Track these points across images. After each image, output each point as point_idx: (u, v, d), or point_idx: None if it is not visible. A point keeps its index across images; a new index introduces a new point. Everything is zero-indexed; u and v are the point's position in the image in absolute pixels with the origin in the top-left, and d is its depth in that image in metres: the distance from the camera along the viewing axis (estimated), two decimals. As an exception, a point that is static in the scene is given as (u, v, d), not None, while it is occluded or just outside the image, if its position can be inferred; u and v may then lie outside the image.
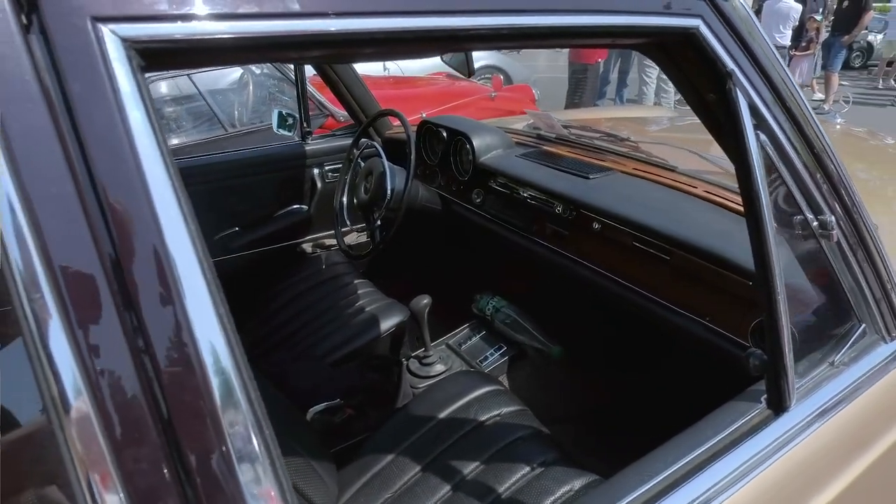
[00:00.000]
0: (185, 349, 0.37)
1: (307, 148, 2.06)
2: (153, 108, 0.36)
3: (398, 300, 1.72)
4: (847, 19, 6.84)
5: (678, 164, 1.45)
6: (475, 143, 1.71)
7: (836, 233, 0.71)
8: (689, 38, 0.60)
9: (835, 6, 7.16)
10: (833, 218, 0.70)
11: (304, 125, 2.05)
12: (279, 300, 1.88)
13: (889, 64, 10.54)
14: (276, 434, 0.42)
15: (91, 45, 0.34)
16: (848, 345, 0.79)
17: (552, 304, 1.78)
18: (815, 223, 0.71)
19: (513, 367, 1.70)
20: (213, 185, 1.94)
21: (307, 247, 2.15)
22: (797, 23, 6.66)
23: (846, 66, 11.61)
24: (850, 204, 0.73)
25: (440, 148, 1.87)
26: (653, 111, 2.86)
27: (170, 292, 0.36)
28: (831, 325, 0.81)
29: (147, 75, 0.37)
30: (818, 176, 0.70)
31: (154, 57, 0.37)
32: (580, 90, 5.82)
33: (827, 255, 0.74)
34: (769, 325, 0.67)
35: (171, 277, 0.36)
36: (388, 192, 1.63)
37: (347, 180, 1.88)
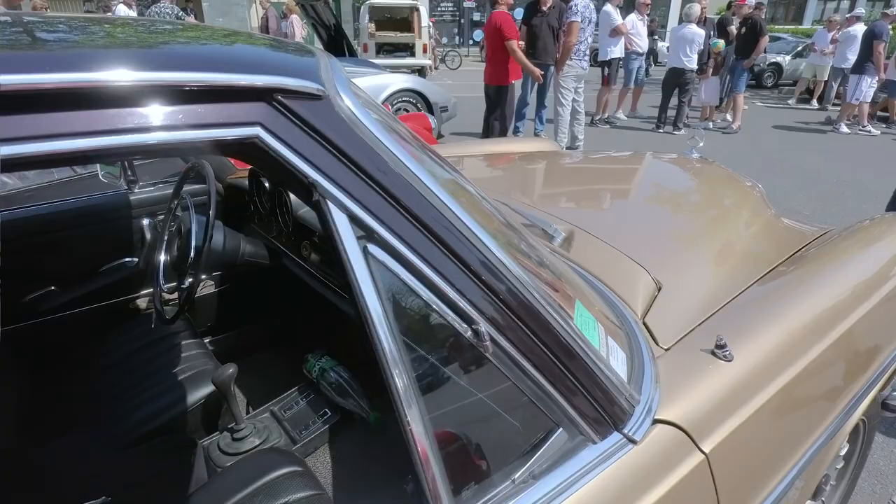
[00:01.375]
0: None
1: (133, 198, 1.90)
2: None
3: (233, 360, 1.58)
4: (745, 44, 7.19)
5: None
6: (292, 194, 1.60)
7: (488, 344, 0.63)
8: (250, 149, 0.51)
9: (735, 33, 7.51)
10: (485, 328, 0.63)
11: (128, 172, 1.89)
12: (98, 365, 1.71)
13: (794, 83, 11.22)
14: None
15: None
16: (541, 452, 0.71)
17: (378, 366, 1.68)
18: (469, 333, 0.63)
19: (335, 436, 1.58)
20: (22, 242, 1.75)
21: (141, 302, 1.98)
22: (702, 47, 6.94)
23: (760, 85, 12.32)
24: (519, 302, 0.66)
25: (267, 198, 1.75)
26: (543, 145, 2.83)
27: None
28: (520, 436, 0.73)
29: None
30: (461, 279, 0.62)
31: None
32: (497, 111, 5.83)
33: (495, 363, 0.66)
34: (413, 472, 0.59)
35: None
36: (192, 251, 1.50)
37: (166, 236, 1.72)
